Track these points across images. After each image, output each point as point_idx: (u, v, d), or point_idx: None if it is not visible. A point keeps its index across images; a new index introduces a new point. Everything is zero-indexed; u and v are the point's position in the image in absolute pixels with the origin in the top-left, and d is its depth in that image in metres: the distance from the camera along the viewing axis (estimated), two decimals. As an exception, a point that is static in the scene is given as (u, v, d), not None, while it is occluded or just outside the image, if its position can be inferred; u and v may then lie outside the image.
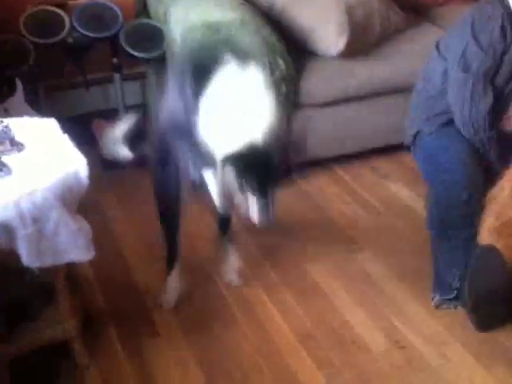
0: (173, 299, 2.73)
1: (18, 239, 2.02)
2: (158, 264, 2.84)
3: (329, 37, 3.44)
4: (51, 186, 2.03)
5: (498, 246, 2.50)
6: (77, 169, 2.17)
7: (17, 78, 3.42)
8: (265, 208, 2.17)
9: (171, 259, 2.71)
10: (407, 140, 3.09)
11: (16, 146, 2.21)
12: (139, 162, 2.79)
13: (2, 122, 2.21)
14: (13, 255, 2.06)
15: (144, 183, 2.83)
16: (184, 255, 2.80)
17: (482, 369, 2.41)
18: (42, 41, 3.54)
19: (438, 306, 2.70)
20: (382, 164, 3.72)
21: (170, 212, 2.62)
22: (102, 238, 3.07)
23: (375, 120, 3.62)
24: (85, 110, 4.05)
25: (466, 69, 2.72)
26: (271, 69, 3.16)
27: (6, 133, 2.20)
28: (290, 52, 3.36)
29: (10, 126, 2.22)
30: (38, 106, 3.63)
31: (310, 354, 2.49)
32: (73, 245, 2.15)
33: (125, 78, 3.90)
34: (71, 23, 3.60)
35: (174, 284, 2.73)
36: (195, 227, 3.08)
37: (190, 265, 2.87)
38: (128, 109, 3.82)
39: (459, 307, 2.66)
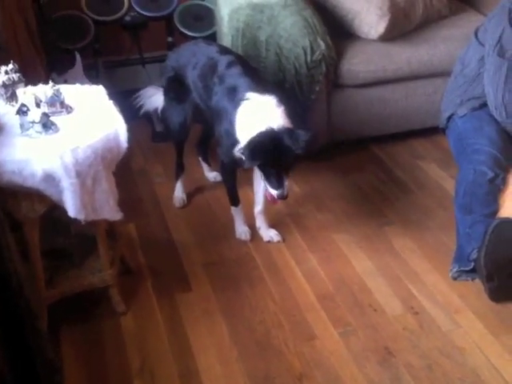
0: (178, 202, 3.35)
1: (65, 189, 2.24)
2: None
3: (370, 20, 3.53)
4: (92, 144, 2.26)
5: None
6: (117, 132, 2.40)
7: (76, 52, 3.69)
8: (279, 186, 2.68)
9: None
10: (442, 122, 3.21)
11: (65, 108, 2.45)
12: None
13: (54, 86, 2.44)
14: (62, 209, 2.30)
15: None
16: (224, 221, 3.12)
17: (490, 335, 2.53)
18: (101, 18, 3.81)
19: (455, 278, 2.81)
20: (418, 145, 3.82)
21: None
22: (147, 200, 3.37)
23: (413, 102, 3.70)
24: (140, 86, 4.29)
25: (501, 54, 2.83)
26: (312, 49, 3.32)
27: (57, 96, 2.43)
28: (332, 34, 3.48)
29: (61, 91, 2.46)
30: (97, 80, 3.88)
31: (328, 313, 2.66)
32: (106, 203, 2.39)
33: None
34: (130, 3, 3.85)
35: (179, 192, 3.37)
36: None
37: (228, 229, 3.12)
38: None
39: (477, 280, 2.75)
